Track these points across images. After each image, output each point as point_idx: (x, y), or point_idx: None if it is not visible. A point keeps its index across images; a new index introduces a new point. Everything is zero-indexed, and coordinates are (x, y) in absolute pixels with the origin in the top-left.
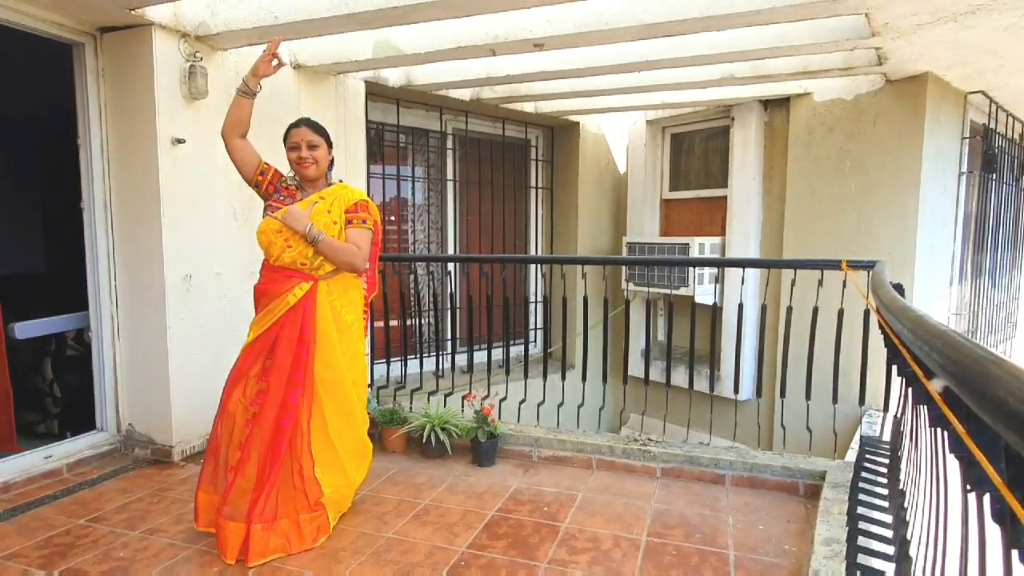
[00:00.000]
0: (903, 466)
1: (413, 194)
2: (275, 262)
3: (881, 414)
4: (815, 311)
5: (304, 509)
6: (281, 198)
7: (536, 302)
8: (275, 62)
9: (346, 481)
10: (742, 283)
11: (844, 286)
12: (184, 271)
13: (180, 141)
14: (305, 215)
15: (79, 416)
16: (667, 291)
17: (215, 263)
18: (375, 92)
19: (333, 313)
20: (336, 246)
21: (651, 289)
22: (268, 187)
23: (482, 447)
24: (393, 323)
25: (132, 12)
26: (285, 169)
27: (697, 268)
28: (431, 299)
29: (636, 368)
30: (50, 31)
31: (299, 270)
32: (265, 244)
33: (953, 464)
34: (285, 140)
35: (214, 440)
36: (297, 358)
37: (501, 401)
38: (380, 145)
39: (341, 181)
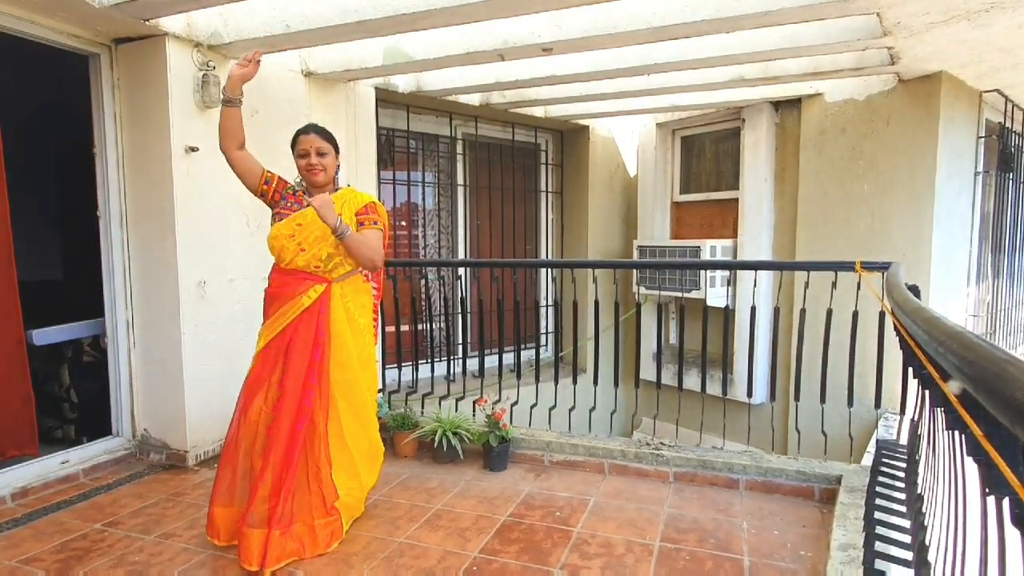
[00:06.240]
0: (921, 470)
1: (423, 199)
2: (287, 265)
3: (897, 417)
4: (829, 313)
5: (320, 514)
6: (288, 204)
7: (547, 306)
8: (247, 65)
9: (359, 484)
10: (754, 286)
11: (858, 288)
12: (198, 278)
13: (194, 149)
14: (334, 208)
15: (95, 421)
16: (679, 294)
17: (229, 269)
18: (385, 98)
19: (347, 315)
20: (361, 240)
21: (663, 292)
22: (274, 195)
23: (494, 452)
24: (404, 328)
25: (146, 23)
26: (290, 175)
27: (709, 271)
28: (442, 304)
29: (648, 372)
30: (66, 43)
31: (312, 273)
32: (277, 249)
33: (971, 467)
34: (293, 146)
35: (230, 451)
36: (311, 361)
37: (512, 405)
38: (390, 151)
39: (349, 185)
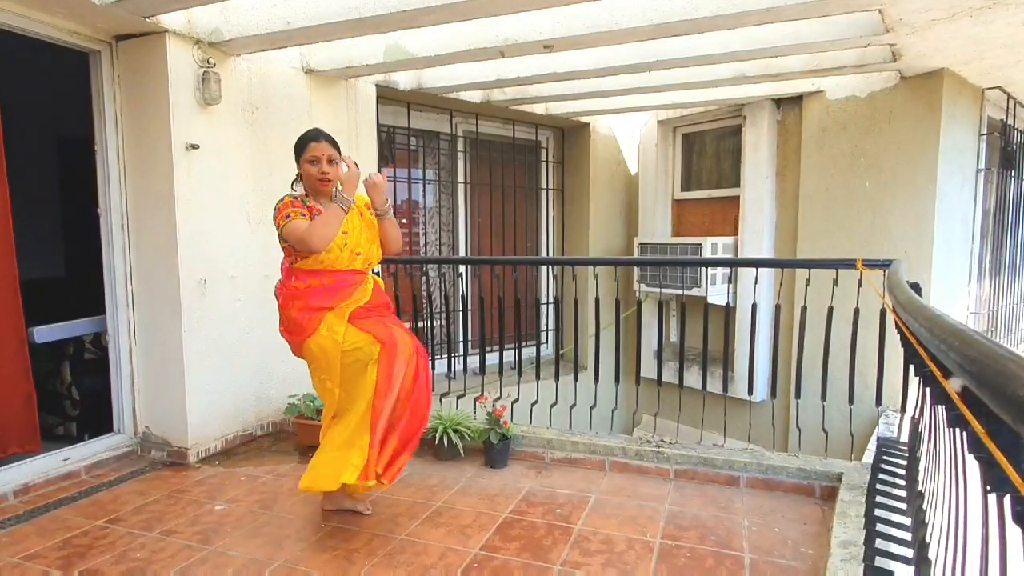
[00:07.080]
0: (921, 467)
1: (424, 197)
2: (345, 269)
3: (898, 415)
4: (830, 311)
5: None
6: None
7: (548, 304)
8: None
9: None
10: (755, 283)
11: (860, 285)
12: (199, 275)
13: (194, 146)
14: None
15: (97, 419)
16: (679, 292)
17: (230, 266)
18: (386, 96)
19: None
20: (395, 223)
21: (663, 290)
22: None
23: (494, 449)
24: (405, 325)
25: (147, 20)
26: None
27: (710, 268)
28: (442, 301)
29: (649, 369)
30: (67, 40)
31: (361, 270)
32: (331, 260)
33: (973, 465)
34: (301, 151)
35: (376, 420)
36: (396, 321)
37: (513, 403)
38: (391, 148)
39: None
